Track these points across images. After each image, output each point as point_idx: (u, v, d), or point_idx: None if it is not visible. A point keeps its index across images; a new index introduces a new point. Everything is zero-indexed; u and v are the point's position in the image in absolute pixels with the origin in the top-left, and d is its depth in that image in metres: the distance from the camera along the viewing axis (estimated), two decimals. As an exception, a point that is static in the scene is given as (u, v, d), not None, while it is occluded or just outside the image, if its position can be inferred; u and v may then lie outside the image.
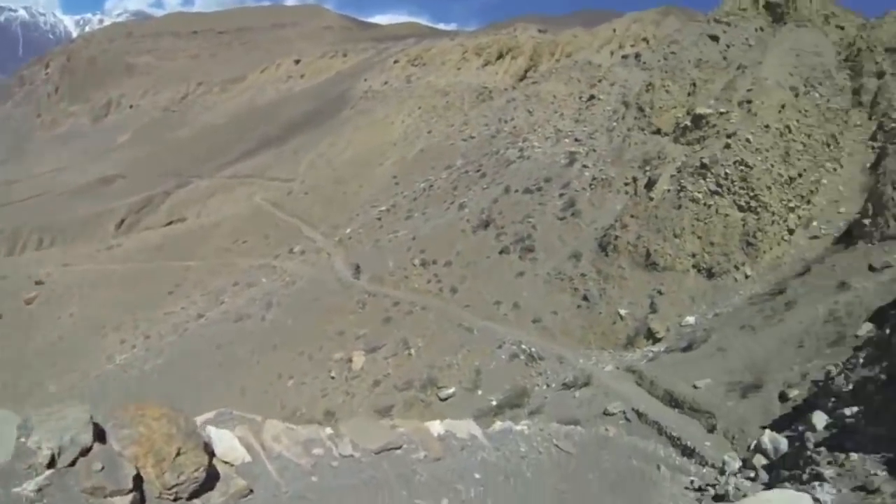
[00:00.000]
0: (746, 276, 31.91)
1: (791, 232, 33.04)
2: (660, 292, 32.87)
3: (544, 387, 30.07)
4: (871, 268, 24.42)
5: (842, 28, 51.04)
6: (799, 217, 33.53)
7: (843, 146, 37.55)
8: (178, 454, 4.97)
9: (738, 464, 11.87)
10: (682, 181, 35.01)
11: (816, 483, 7.58)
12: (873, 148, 36.83)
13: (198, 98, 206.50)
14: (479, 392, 31.70)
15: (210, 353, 46.49)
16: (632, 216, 36.44)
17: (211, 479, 5.30)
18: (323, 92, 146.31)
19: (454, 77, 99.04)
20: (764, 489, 9.39)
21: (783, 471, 10.44)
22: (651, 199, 36.34)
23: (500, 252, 40.85)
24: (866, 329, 19.97)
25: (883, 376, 11.88)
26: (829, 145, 36.87)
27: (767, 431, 12.57)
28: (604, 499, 9.06)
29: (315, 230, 69.35)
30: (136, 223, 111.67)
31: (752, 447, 16.20)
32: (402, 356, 36.88)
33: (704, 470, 14.00)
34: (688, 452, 19.28)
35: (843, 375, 15.70)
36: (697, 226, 33.48)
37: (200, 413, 7.19)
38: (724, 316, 29.82)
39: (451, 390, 32.11)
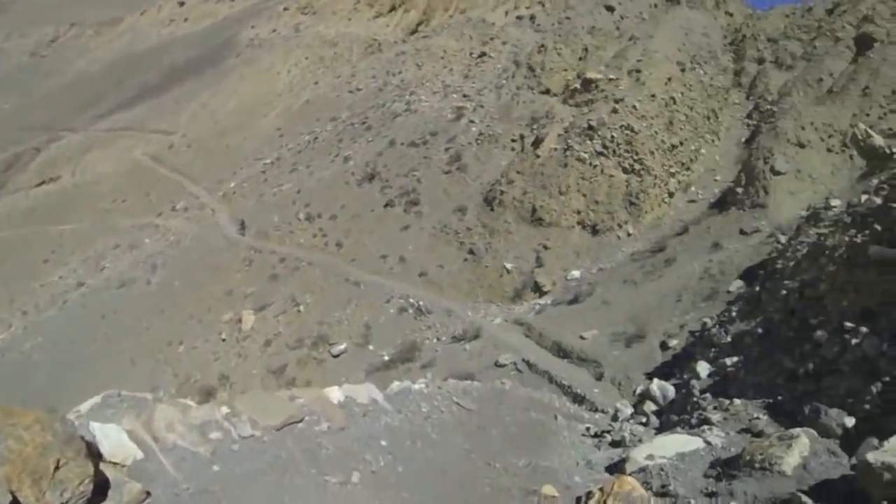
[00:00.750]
0: (629, 234, 33.25)
1: (671, 195, 34.65)
2: (545, 247, 33.48)
3: (434, 340, 30.08)
4: (741, 231, 26.00)
5: (730, 15, 54.47)
6: (679, 182, 35.14)
7: (722, 121, 39.67)
8: (57, 467, 4.12)
9: (629, 410, 12.11)
10: (570, 141, 35.56)
11: (705, 427, 7.69)
12: (748, 125, 39.15)
13: (69, 42, 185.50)
14: (371, 347, 31.39)
15: (95, 325, 42.99)
16: (518, 172, 36.67)
17: (101, 488, 4.51)
18: (207, 38, 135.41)
19: (344, 28, 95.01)
20: (656, 434, 9.55)
21: (672, 416, 10.76)
22: (538, 156, 36.69)
23: (386, 205, 40.07)
24: (737, 286, 21.16)
25: (759, 330, 12.41)
26: (709, 118, 38.74)
27: (656, 380, 12.95)
28: (507, 453, 8.80)
29: (198, 185, 65.03)
30: (3, 184, 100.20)
31: (637, 392, 16.36)
32: (291, 314, 35.87)
33: (597, 416, 14.28)
34: (579, 400, 19.89)
35: (718, 327, 16.78)
36: (583, 184, 34.28)
37: (86, 395, 6.50)
38: (607, 271, 30.88)
39: (343, 346, 31.64)
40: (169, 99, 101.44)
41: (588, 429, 10.97)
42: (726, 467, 5.85)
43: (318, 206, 43.46)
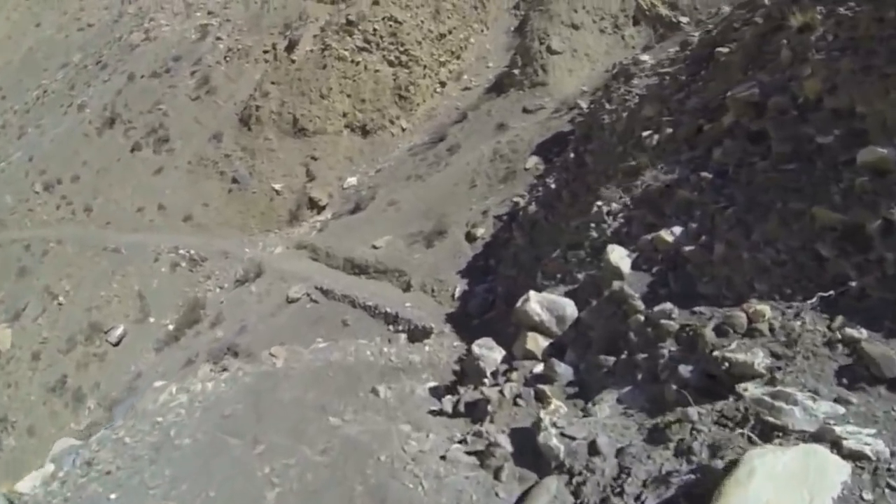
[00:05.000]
0: (403, 129, 30.52)
1: (443, 84, 31.93)
2: (314, 158, 29.58)
3: (217, 290, 25.89)
4: (525, 110, 24.36)
5: None
6: (450, 71, 32.42)
7: (490, 11, 35.97)
8: None
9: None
10: (327, 40, 31.23)
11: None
12: (517, 15, 36.07)
13: None
14: (151, 319, 26.62)
15: None
16: (273, 83, 31.85)
17: None
18: None
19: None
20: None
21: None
22: (293, 62, 32.07)
23: (132, 150, 33.27)
24: (533, 161, 19.78)
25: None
26: (476, 8, 35.38)
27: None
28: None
29: None
30: None
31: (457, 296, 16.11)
32: (52, 310, 29.38)
33: (427, 350, 11.40)
34: (391, 320, 16.80)
35: (533, 203, 15.82)
36: (346, 84, 30.56)
37: None
38: (387, 171, 28.01)
39: (121, 329, 26.71)
40: None
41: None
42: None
43: (56, 170, 35.34)
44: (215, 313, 23.64)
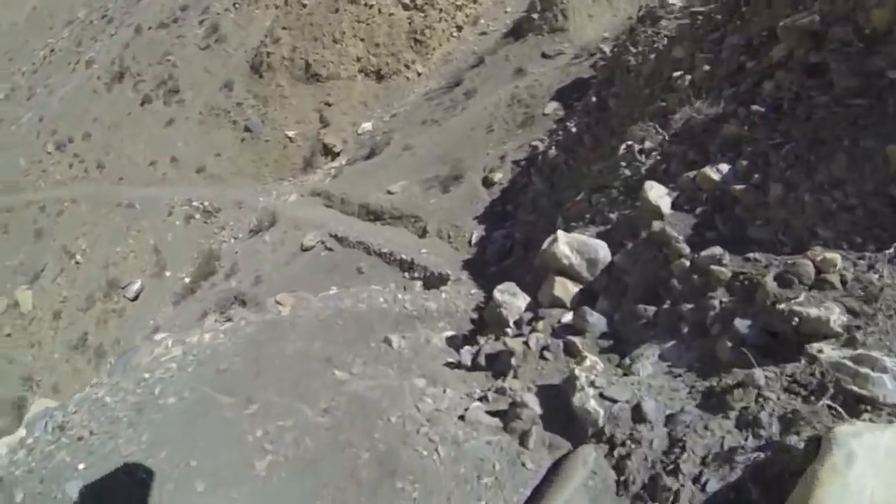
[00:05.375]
0: (419, 74, 29.27)
1: (460, 29, 30.50)
2: (328, 104, 28.44)
3: (232, 240, 25.42)
4: (544, 55, 23.44)
5: None
6: (467, 15, 30.91)
7: None
8: None
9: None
10: None
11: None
12: None
13: None
14: (168, 273, 26.30)
15: None
16: (284, 28, 30.52)
17: None
18: None
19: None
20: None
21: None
22: (304, 6, 30.59)
23: (142, 104, 32.41)
24: (552, 107, 18.93)
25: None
26: None
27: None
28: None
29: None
30: None
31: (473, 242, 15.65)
32: (70, 269, 29.22)
33: (443, 298, 10.73)
34: (406, 267, 16.27)
35: (554, 148, 15.03)
36: (359, 28, 29.16)
37: None
38: (402, 115, 26.95)
39: (138, 284, 26.48)
40: None
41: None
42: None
43: (67, 128, 34.68)
44: (230, 264, 23.24)
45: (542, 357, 5.35)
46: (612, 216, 6.48)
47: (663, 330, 4.88)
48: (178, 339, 6.54)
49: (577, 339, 5.28)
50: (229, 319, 7.34)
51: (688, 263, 4.99)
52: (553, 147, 15.79)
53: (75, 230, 30.01)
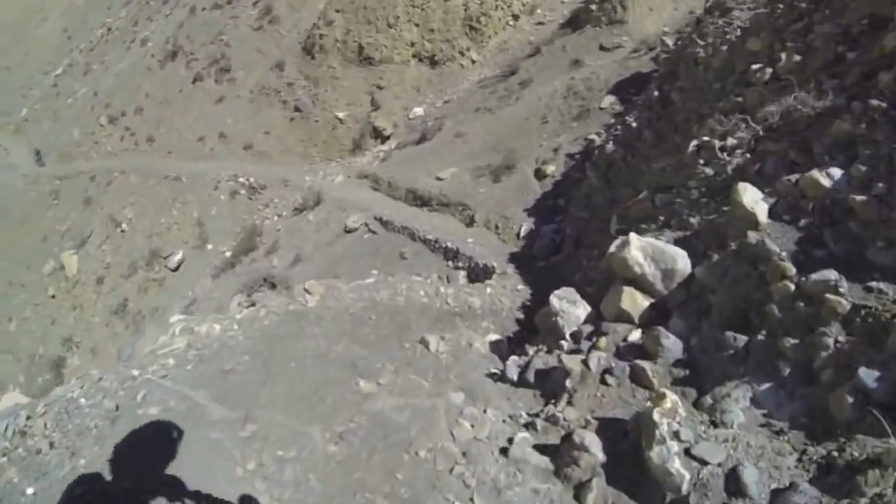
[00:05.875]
0: (473, 62, 28.26)
1: (516, 18, 29.44)
2: (380, 87, 27.60)
3: (275, 218, 24.96)
4: (601, 48, 22.40)
5: None
6: (523, 4, 29.81)
7: None
8: None
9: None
10: None
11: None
12: None
13: None
14: (209, 246, 26.15)
15: None
16: (337, 11, 29.70)
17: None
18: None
19: None
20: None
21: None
22: None
23: (194, 81, 32.25)
24: (609, 101, 17.96)
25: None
26: None
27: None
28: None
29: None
30: None
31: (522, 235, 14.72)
32: (115, 237, 29.45)
33: (488, 293, 9.99)
34: (451, 255, 15.26)
35: (612, 142, 14.15)
36: (414, 13, 28.32)
37: None
38: (455, 102, 25.95)
39: (179, 255, 26.43)
40: None
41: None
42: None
43: (120, 103, 35.00)
44: (272, 241, 22.71)
45: (603, 381, 4.47)
46: (693, 220, 5.46)
47: (757, 367, 3.94)
48: (187, 327, 5.78)
49: (646, 365, 4.38)
50: (253, 304, 6.62)
51: (792, 287, 4.01)
52: (610, 142, 14.77)
53: (123, 200, 30.24)
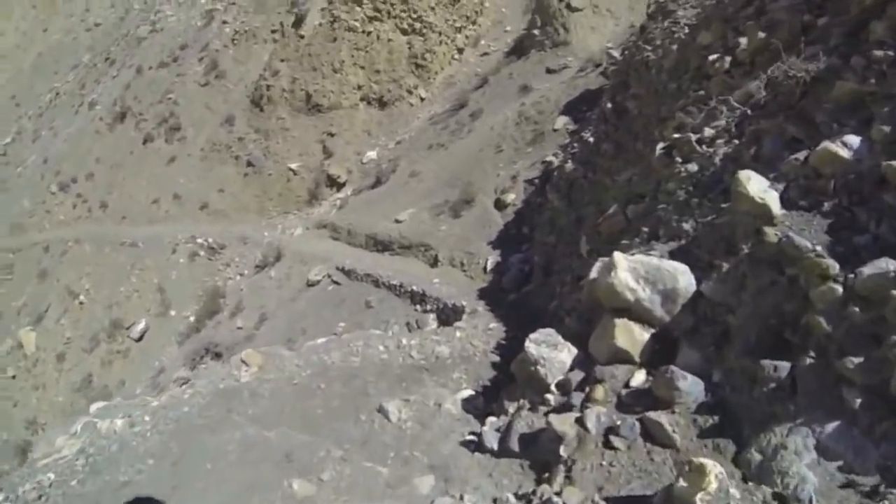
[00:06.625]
0: (422, 99, 27.96)
1: (461, 51, 29.28)
2: (331, 135, 26.95)
3: (237, 277, 23.84)
4: (548, 70, 22.32)
5: None
6: (467, 37, 29.67)
7: None
8: None
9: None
10: (335, 11, 28.39)
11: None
12: None
13: None
14: (172, 312, 24.71)
15: None
16: (282, 60, 29.10)
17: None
18: None
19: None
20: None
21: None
22: (301, 37, 29.17)
23: (144, 142, 31.10)
24: (562, 122, 17.73)
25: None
26: None
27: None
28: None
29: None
30: None
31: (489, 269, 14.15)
32: (73, 310, 27.83)
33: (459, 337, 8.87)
34: (418, 299, 14.55)
35: (570, 161, 13.79)
36: (359, 56, 27.82)
37: None
38: (407, 142, 25.51)
39: (142, 324, 25.02)
40: None
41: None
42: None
43: (70, 169, 33.57)
44: (235, 301, 21.67)
45: (607, 445, 3.36)
46: (686, 226, 4.39)
47: (812, 401, 2.89)
48: (90, 423, 4.55)
49: (662, 417, 3.28)
50: (186, 381, 5.41)
51: (839, 289, 2.99)
52: (569, 161, 14.24)
53: (79, 270, 28.71)
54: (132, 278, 26.48)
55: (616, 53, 17.61)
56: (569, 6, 23.33)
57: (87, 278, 28.14)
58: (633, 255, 4.11)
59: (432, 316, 13.47)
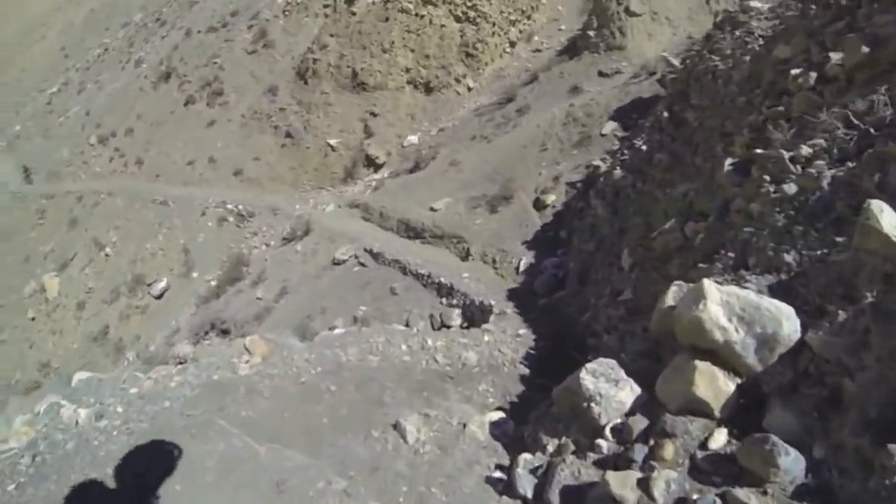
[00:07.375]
0: (469, 89, 27.24)
1: (513, 45, 28.50)
2: (373, 114, 26.32)
3: (262, 247, 23.64)
4: (600, 73, 21.63)
5: None
6: (520, 31, 28.84)
7: None
8: None
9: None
10: None
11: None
12: None
13: None
14: (194, 274, 24.64)
15: None
16: (332, 35, 28.53)
17: None
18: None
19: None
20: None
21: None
22: (353, 13, 28.58)
23: (186, 104, 30.95)
24: (610, 127, 17.04)
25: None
26: None
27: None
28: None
29: (-28, 140, 51.00)
30: None
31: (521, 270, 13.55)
32: (98, 261, 27.95)
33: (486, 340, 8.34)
34: (444, 292, 13.92)
35: (619, 168, 13.08)
36: (409, 38, 27.19)
37: None
38: (450, 130, 24.86)
39: (163, 283, 25.00)
40: None
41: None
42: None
43: (111, 123, 33.69)
44: (258, 271, 21.45)
45: (677, 520, 2.67)
46: (787, 258, 3.62)
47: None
48: (54, 406, 3.92)
49: (752, 499, 2.58)
50: (182, 363, 4.80)
51: None
52: (617, 168, 13.35)
53: (108, 223, 28.81)
54: (159, 236, 26.50)
55: (675, 62, 16.83)
56: (627, 10, 22.48)
57: (115, 231, 28.27)
58: (721, 284, 3.36)
59: (458, 311, 12.88)
